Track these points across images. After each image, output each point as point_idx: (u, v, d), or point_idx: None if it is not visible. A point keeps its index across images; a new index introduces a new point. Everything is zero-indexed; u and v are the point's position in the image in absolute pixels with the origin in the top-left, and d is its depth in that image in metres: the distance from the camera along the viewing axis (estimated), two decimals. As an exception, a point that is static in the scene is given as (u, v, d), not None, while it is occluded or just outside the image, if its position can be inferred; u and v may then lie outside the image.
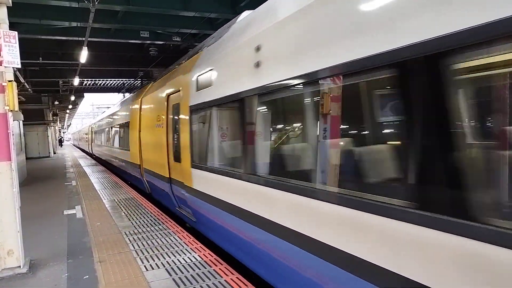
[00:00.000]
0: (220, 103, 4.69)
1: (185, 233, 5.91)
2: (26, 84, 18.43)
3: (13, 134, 4.63)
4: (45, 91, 26.93)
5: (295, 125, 4.13)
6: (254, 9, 4.78)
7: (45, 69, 19.25)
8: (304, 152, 3.55)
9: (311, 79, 2.84)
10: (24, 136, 18.98)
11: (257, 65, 3.67)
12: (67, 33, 12.96)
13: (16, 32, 4.59)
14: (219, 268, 4.34)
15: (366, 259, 2.34)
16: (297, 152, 3.74)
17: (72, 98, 29.23)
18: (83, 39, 11.55)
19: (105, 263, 4.69)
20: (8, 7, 4.65)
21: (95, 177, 14.26)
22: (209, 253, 4.89)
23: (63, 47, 16.11)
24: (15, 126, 13.37)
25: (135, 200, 9.03)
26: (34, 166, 20.10)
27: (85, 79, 24.44)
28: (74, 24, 11.81)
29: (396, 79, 2.15)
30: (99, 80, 26.81)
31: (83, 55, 12.36)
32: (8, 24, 4.65)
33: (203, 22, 12.77)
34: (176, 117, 6.79)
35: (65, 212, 7.93)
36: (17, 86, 4.80)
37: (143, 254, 4.98)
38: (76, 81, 19.45)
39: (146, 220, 6.89)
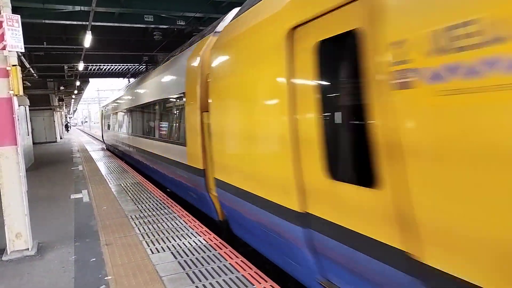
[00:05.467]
0: None
1: (190, 217, 5.96)
2: (31, 69, 18.44)
3: (18, 119, 4.65)
4: (50, 76, 26.94)
5: None
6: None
7: (50, 54, 19.20)
8: None
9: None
10: (30, 121, 19.11)
11: None
12: (71, 18, 12.84)
13: (19, 16, 4.56)
14: (224, 252, 4.39)
15: None
16: None
17: (77, 83, 29.26)
18: (87, 23, 11.47)
19: (112, 246, 4.76)
20: (10, -9, 4.61)
21: (102, 162, 14.38)
22: (214, 237, 4.94)
23: (67, 32, 16.02)
24: (21, 111, 13.43)
25: (141, 184, 9.10)
26: (41, 151, 20.30)
27: (90, 64, 24.37)
28: (77, 8, 11.67)
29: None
30: (104, 65, 26.73)
31: (87, 40, 12.31)
32: (10, 7, 4.61)
33: (207, 5, 12.59)
34: None
35: (72, 196, 8.03)
36: (23, 71, 4.82)
37: (149, 237, 5.04)
38: (81, 66, 19.42)
39: (152, 204, 6.96)
